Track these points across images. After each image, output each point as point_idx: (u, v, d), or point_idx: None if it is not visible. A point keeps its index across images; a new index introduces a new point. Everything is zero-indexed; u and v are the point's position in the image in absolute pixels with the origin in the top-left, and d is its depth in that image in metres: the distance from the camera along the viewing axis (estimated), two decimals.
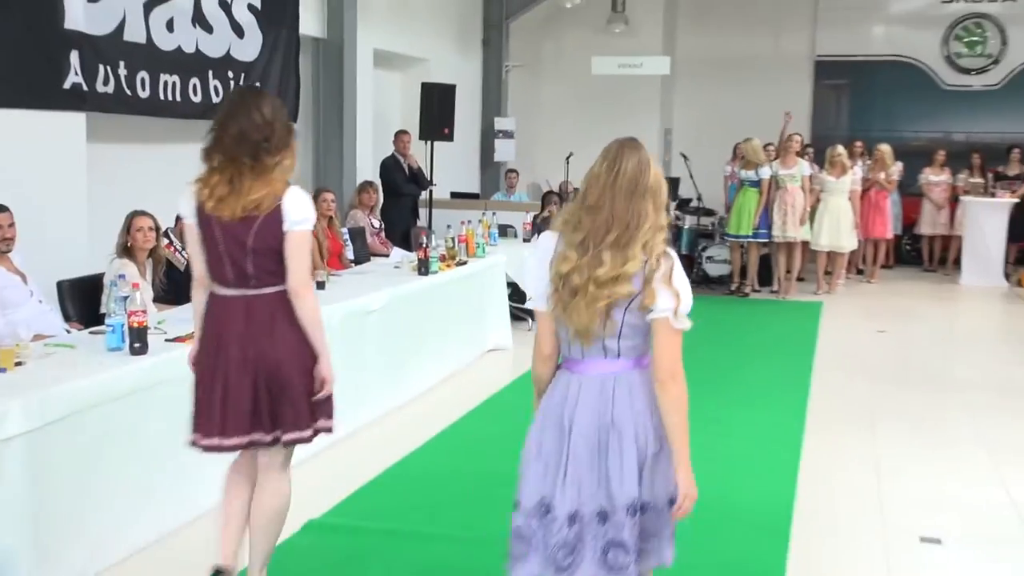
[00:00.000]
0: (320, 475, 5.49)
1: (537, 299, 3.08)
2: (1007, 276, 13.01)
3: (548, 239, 3.08)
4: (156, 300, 6.18)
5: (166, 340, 4.90)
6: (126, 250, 6.07)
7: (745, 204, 11.37)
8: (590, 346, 3.01)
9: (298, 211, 3.68)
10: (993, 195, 13.36)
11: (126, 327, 4.62)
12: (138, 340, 4.59)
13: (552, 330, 3.08)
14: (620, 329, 2.96)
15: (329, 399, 3.85)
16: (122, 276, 5.34)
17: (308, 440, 3.81)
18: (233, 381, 3.67)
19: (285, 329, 3.72)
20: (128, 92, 7.59)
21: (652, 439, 3.00)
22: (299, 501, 4.99)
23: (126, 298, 4.70)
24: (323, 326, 3.85)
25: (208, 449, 3.76)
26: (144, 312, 4.66)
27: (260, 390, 3.69)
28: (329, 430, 3.89)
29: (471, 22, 14.06)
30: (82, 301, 6.15)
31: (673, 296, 2.92)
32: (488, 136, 14.36)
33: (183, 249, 6.80)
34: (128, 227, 6.09)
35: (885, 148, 13.18)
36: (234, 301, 3.70)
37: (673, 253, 3.00)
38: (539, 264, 3.06)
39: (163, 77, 7.96)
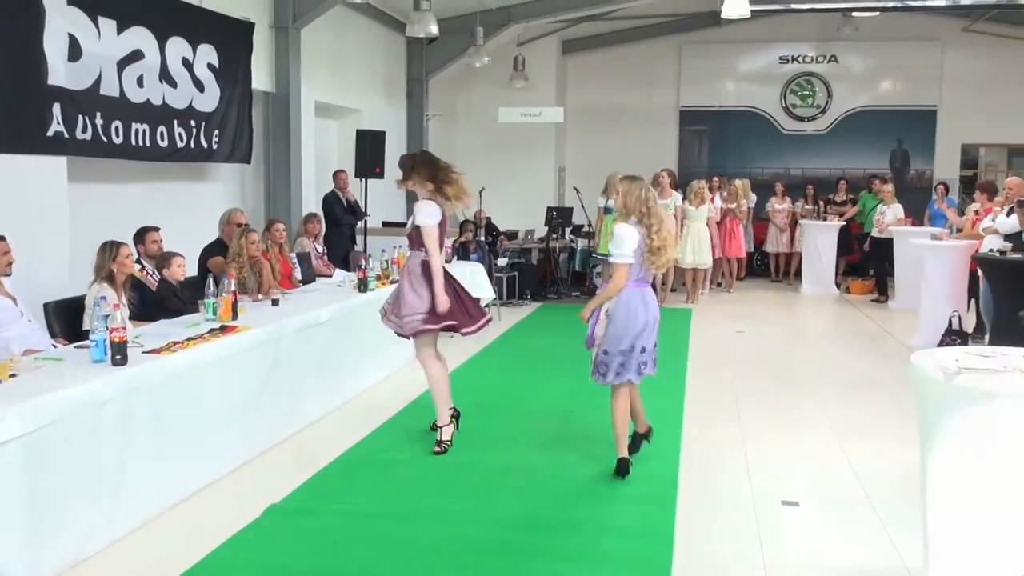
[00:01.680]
0: (277, 465, 5.39)
1: (627, 258, 4.99)
2: (838, 285, 13.39)
3: (631, 229, 5.01)
4: (131, 318, 5.97)
5: (143, 352, 4.75)
6: (108, 275, 5.85)
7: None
8: (648, 277, 5.14)
9: (418, 214, 5.54)
10: (825, 219, 13.77)
11: (108, 341, 4.47)
12: (119, 353, 4.45)
13: (628, 272, 5.01)
14: None
15: (452, 314, 5.54)
16: (103, 297, 5.18)
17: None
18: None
19: (420, 275, 5.54)
20: (104, 139, 7.40)
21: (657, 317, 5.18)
22: (259, 489, 4.91)
23: (107, 316, 4.55)
24: (439, 277, 5.47)
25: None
26: (124, 328, 4.51)
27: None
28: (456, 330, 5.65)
29: (397, 78, 13.99)
30: (66, 320, 5.93)
31: None
32: None
33: (154, 273, 6.61)
34: (115, 256, 5.86)
35: (739, 183, 13.49)
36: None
37: None
38: (632, 240, 4.98)
39: (135, 125, 7.77)
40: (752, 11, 11.03)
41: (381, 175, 11.34)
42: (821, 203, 14.22)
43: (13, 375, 4.13)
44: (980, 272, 8.47)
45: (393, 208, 13.54)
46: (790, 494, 4.94)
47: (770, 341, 9.69)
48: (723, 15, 11.06)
